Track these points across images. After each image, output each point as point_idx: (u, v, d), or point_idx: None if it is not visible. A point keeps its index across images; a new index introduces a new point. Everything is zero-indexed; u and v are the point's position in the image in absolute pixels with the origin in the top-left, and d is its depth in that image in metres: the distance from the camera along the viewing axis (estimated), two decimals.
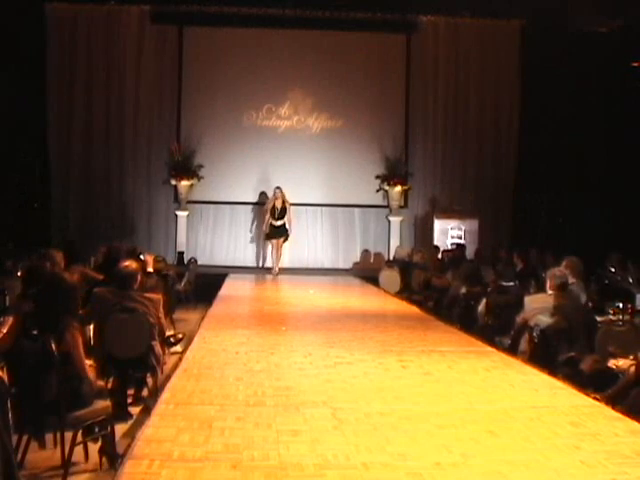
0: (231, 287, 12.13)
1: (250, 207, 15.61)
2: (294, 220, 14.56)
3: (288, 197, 14.48)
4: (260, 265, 15.47)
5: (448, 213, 14.83)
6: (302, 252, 15.56)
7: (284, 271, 14.53)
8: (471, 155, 15.77)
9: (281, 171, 15.30)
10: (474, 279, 9.56)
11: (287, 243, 14.63)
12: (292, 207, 14.48)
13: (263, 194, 15.39)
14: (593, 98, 14.49)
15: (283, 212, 14.23)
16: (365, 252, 15.73)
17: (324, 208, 15.65)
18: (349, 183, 15.55)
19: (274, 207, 14.32)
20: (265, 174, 15.45)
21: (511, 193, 15.59)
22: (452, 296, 9.81)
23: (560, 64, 14.44)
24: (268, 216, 14.31)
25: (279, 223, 14.20)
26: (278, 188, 14.32)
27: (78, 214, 15.05)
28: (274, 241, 14.37)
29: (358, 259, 15.69)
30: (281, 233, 14.27)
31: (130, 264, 6.07)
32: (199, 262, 14.09)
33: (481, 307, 8.37)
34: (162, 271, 9.90)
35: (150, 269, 8.11)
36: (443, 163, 15.77)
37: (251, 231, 15.56)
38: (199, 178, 15.29)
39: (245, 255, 15.62)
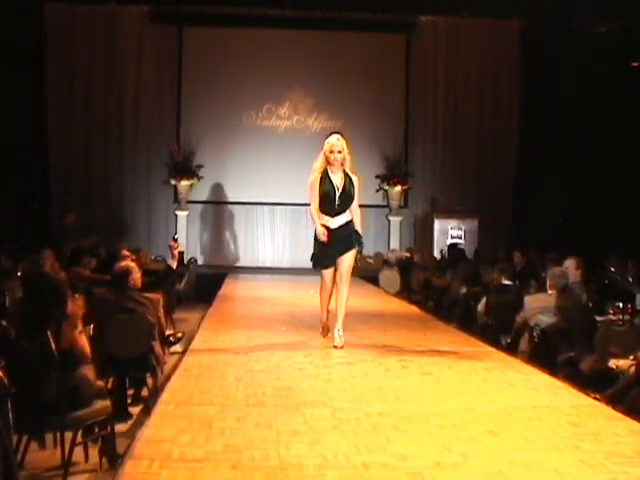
0: (231, 287, 12.14)
1: (249, 207, 15.66)
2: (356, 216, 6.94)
3: (288, 195, 14.38)
4: (260, 265, 15.50)
5: (448, 213, 14.85)
6: (301, 252, 15.48)
7: (283, 271, 14.46)
8: (471, 155, 15.79)
9: (281, 171, 15.25)
10: (473, 279, 9.58)
11: (290, 242, 14.64)
12: (293, 207, 14.44)
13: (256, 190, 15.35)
14: (593, 98, 14.48)
15: (347, 199, 6.81)
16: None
17: None
18: None
19: (330, 183, 6.77)
20: (265, 174, 15.44)
21: (511, 193, 15.61)
22: (452, 296, 9.84)
23: (560, 64, 14.44)
24: (315, 206, 6.78)
25: (339, 222, 6.83)
26: (337, 134, 6.94)
27: (78, 214, 15.03)
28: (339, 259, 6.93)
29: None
30: (345, 241, 6.86)
31: (124, 263, 6.10)
32: (199, 262, 14.09)
33: (481, 307, 8.36)
34: (162, 271, 9.91)
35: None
36: (443, 163, 15.80)
37: (251, 231, 15.59)
38: (199, 178, 15.32)
39: (245, 255, 15.66)
